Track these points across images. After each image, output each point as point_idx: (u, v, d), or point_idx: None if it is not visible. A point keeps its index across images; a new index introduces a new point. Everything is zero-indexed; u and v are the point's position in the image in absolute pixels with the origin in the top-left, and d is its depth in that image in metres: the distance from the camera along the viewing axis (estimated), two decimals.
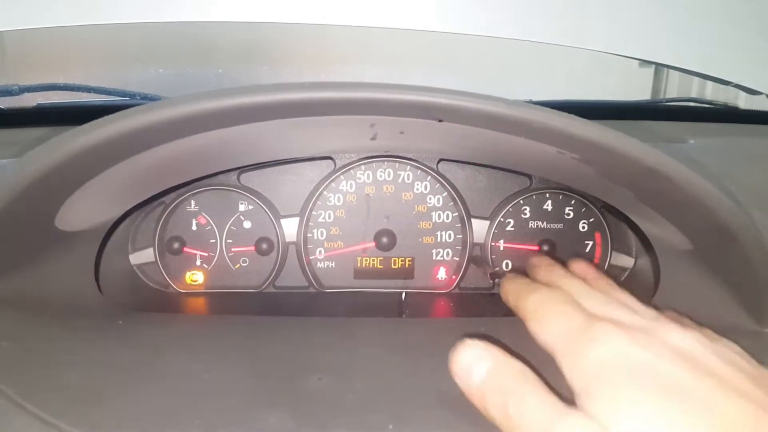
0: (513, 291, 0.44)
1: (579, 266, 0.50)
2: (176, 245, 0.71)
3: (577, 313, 0.37)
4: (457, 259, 0.73)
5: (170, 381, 0.40)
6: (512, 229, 0.73)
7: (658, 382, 0.30)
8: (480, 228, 0.73)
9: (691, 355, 0.33)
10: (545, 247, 0.72)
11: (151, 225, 0.71)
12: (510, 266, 0.74)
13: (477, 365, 0.35)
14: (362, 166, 0.72)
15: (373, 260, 0.73)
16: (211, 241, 0.72)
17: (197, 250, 0.72)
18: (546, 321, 0.38)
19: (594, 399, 0.31)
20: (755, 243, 0.44)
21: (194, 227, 0.72)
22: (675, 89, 1.83)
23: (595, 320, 0.35)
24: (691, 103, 1.16)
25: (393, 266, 0.73)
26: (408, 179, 0.72)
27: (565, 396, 0.32)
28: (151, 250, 0.71)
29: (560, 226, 0.73)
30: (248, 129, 0.48)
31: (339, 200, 0.72)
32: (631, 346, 0.33)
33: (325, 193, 0.72)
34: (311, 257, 0.73)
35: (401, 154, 0.71)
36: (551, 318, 0.38)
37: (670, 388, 0.30)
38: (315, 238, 0.73)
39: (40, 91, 0.86)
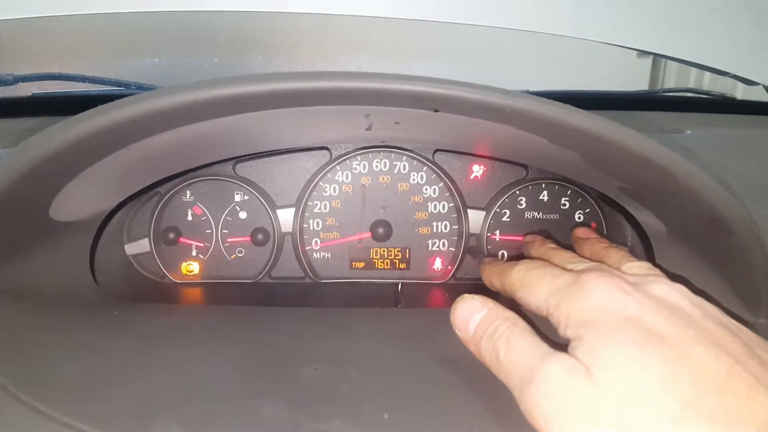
0: (495, 272, 0.45)
1: (582, 231, 0.57)
2: (172, 235, 0.71)
3: (564, 273, 0.38)
4: (453, 249, 0.73)
5: (166, 371, 0.40)
6: (508, 219, 0.73)
7: (641, 329, 0.32)
8: (476, 219, 0.73)
9: (675, 306, 0.34)
10: None
11: (146, 215, 0.71)
12: (506, 257, 0.74)
13: (473, 315, 0.38)
14: (358, 157, 0.72)
15: (369, 251, 0.73)
16: (207, 231, 0.72)
17: (193, 240, 0.72)
18: (534, 285, 0.39)
19: (581, 343, 0.32)
20: (751, 234, 0.44)
21: (190, 217, 0.72)
22: (672, 80, 1.84)
23: (583, 274, 0.36)
24: (689, 94, 1.16)
25: (389, 257, 0.73)
26: (404, 170, 0.72)
27: (558, 343, 0.34)
28: (146, 240, 0.71)
29: (556, 216, 0.73)
30: (243, 119, 0.47)
31: (335, 190, 0.72)
32: (619, 295, 0.34)
33: (320, 183, 0.72)
34: (307, 248, 0.73)
35: (397, 145, 0.71)
36: (539, 281, 0.38)
37: (652, 335, 0.31)
38: (311, 228, 0.73)
39: (35, 80, 0.86)
